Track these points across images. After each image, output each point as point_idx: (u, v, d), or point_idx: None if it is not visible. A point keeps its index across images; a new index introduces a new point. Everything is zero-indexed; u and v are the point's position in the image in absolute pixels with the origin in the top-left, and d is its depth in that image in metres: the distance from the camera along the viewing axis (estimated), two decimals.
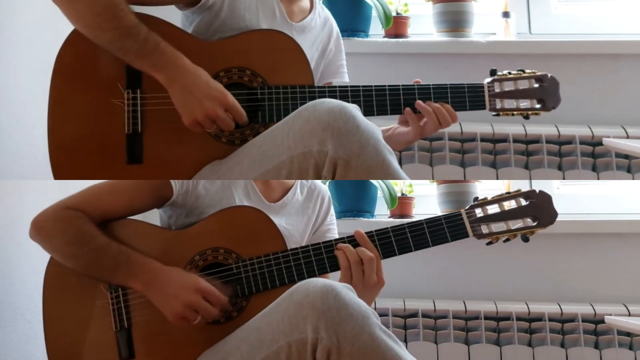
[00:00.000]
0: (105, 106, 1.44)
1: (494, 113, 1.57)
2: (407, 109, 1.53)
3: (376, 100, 1.51)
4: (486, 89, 1.56)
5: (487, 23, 2.45)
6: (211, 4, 1.50)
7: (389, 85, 1.52)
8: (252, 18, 1.53)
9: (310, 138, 1.35)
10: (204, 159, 1.47)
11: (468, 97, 1.55)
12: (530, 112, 1.58)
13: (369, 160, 1.34)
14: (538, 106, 1.58)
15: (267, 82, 1.49)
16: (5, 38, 1.77)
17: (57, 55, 1.45)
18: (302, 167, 1.37)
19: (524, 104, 1.58)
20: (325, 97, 1.48)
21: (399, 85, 1.53)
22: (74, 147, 1.45)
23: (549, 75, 1.58)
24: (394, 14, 2.39)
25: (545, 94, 1.58)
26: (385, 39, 2.41)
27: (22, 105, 1.79)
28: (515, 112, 1.58)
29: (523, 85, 1.58)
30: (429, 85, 1.54)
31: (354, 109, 1.36)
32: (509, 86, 1.57)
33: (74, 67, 1.45)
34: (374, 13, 2.38)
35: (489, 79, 1.57)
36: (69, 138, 1.45)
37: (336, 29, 1.73)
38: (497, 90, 1.56)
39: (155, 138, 1.46)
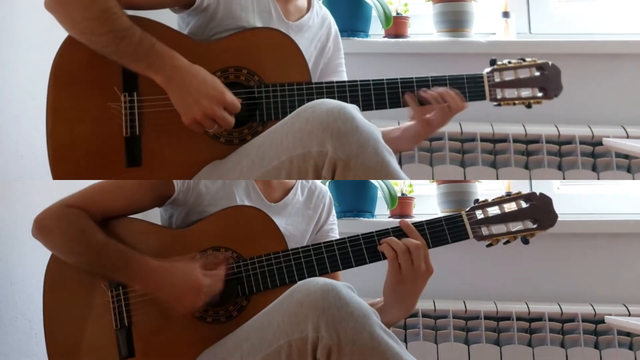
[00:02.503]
0: (103, 110, 1.44)
1: (495, 103, 1.55)
2: (407, 93, 1.51)
3: (374, 95, 1.50)
4: (486, 79, 1.55)
5: (487, 23, 2.45)
6: (206, 5, 1.49)
7: (386, 79, 1.51)
8: (249, 17, 1.52)
9: (309, 139, 1.35)
10: (203, 159, 1.47)
11: (467, 88, 1.53)
12: (532, 101, 1.56)
13: (369, 160, 1.34)
14: (540, 94, 1.56)
15: (264, 80, 1.48)
16: (5, 38, 1.77)
17: (54, 62, 1.44)
18: (301, 168, 1.36)
19: (526, 92, 1.56)
20: (322, 93, 1.48)
21: (397, 79, 1.51)
22: (74, 152, 1.44)
23: (550, 62, 1.57)
24: (394, 14, 2.39)
25: (547, 81, 1.56)
26: (385, 39, 2.41)
27: (21, 106, 1.79)
28: (516, 102, 1.56)
29: (524, 74, 1.56)
30: (428, 77, 1.52)
31: (353, 109, 1.36)
32: (509, 75, 1.55)
33: (70, 73, 1.44)
34: (374, 13, 2.38)
35: (488, 69, 1.56)
36: (68, 143, 1.44)
37: (335, 27, 1.72)
38: (497, 80, 1.55)
39: (154, 140, 1.45)
